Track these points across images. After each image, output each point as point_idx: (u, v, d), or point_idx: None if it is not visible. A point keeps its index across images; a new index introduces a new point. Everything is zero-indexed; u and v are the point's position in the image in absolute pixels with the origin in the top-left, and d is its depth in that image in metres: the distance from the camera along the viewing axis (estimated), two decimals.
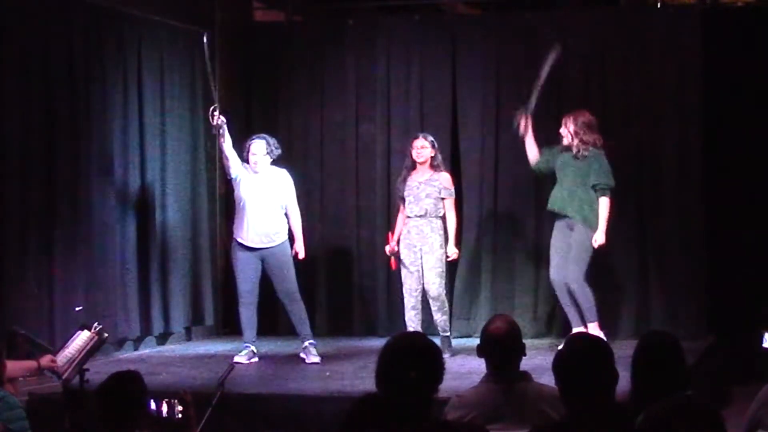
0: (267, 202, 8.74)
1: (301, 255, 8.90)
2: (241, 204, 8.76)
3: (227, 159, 8.74)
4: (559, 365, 3.89)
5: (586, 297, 8.63)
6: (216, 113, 8.61)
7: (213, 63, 8.91)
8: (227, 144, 8.70)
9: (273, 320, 10.03)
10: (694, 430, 2.74)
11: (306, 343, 8.86)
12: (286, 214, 8.86)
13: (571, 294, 8.68)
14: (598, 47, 10.14)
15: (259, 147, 8.75)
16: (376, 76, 10.51)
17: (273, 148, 8.79)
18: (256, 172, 8.75)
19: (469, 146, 10.34)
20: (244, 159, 8.81)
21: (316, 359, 8.80)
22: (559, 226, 8.76)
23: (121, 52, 9.41)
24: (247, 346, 8.78)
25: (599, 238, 8.59)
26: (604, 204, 8.63)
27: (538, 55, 10.14)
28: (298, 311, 8.86)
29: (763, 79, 9.64)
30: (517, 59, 10.26)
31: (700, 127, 9.80)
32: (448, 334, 8.91)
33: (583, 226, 8.61)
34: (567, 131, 8.71)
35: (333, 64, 10.66)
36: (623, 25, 10.19)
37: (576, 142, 8.67)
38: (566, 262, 8.67)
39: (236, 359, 8.49)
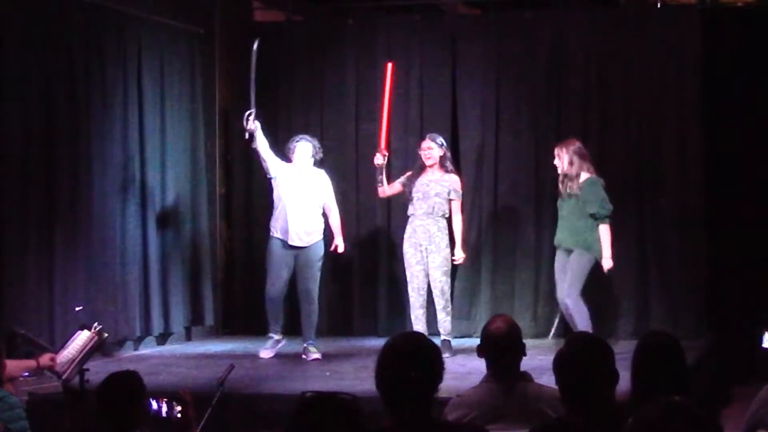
0: (307, 202, 8.95)
1: (341, 248, 9.18)
2: (282, 203, 8.95)
3: (264, 161, 8.95)
4: (559, 364, 3.89)
5: (581, 314, 8.60)
6: (251, 118, 8.76)
7: (258, 70, 8.99)
8: (263, 146, 8.91)
9: None
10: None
11: (306, 344, 9.00)
12: (323, 214, 9.08)
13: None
14: (598, 47, 10.13)
15: (306, 149, 8.96)
16: (376, 76, 10.50)
17: (317, 150, 9.04)
18: (299, 173, 8.92)
19: (469, 146, 10.34)
20: (288, 159, 8.96)
21: (317, 355, 8.95)
22: (559, 252, 8.86)
23: (121, 52, 9.41)
24: (271, 337, 9.01)
25: (606, 264, 8.68)
26: (604, 231, 8.66)
27: (538, 55, 10.20)
28: (310, 313, 9.04)
29: (763, 79, 9.64)
30: (517, 59, 10.27)
31: (700, 127, 9.80)
32: (450, 337, 8.90)
33: (582, 248, 8.67)
34: (560, 162, 8.73)
35: (333, 64, 10.66)
36: (623, 25, 10.19)
37: (566, 178, 8.66)
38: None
39: (261, 354, 8.89)
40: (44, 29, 8.58)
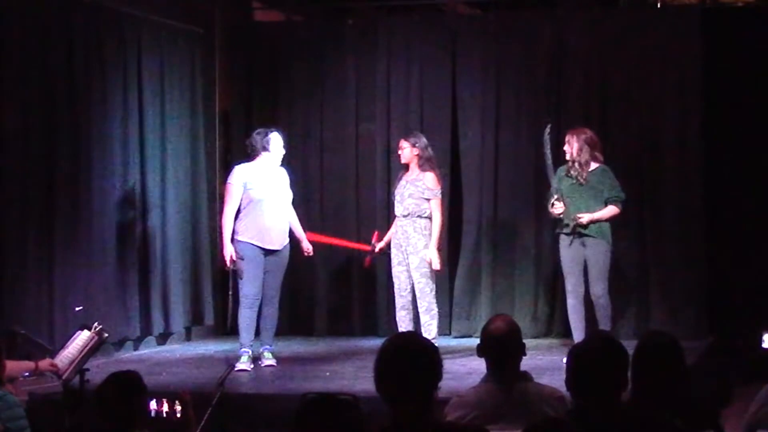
0: (282, 202, 8.58)
1: (311, 250, 8.82)
2: (256, 205, 8.45)
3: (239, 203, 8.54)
4: (575, 358, 3.90)
5: (607, 313, 8.42)
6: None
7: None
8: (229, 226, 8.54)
9: None
10: None
11: (262, 349, 8.62)
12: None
13: (590, 309, 8.43)
14: (598, 47, 10.13)
15: (280, 140, 8.55)
16: (376, 76, 10.51)
17: (285, 144, 8.68)
18: (271, 170, 8.54)
19: (469, 146, 10.34)
20: (265, 149, 8.49)
21: (271, 362, 8.59)
22: (568, 243, 8.49)
23: (121, 52, 9.41)
24: (245, 352, 8.46)
25: (585, 218, 8.37)
26: (612, 210, 8.44)
27: (538, 55, 10.20)
28: (271, 316, 8.61)
29: (763, 79, 9.64)
30: (517, 59, 10.27)
31: (700, 127, 9.80)
32: (435, 339, 8.76)
33: (599, 239, 8.42)
34: (570, 148, 8.50)
35: (333, 64, 10.66)
36: (623, 25, 10.19)
37: (576, 164, 8.47)
38: (581, 280, 8.45)
39: (239, 366, 8.16)
40: (44, 29, 8.58)
